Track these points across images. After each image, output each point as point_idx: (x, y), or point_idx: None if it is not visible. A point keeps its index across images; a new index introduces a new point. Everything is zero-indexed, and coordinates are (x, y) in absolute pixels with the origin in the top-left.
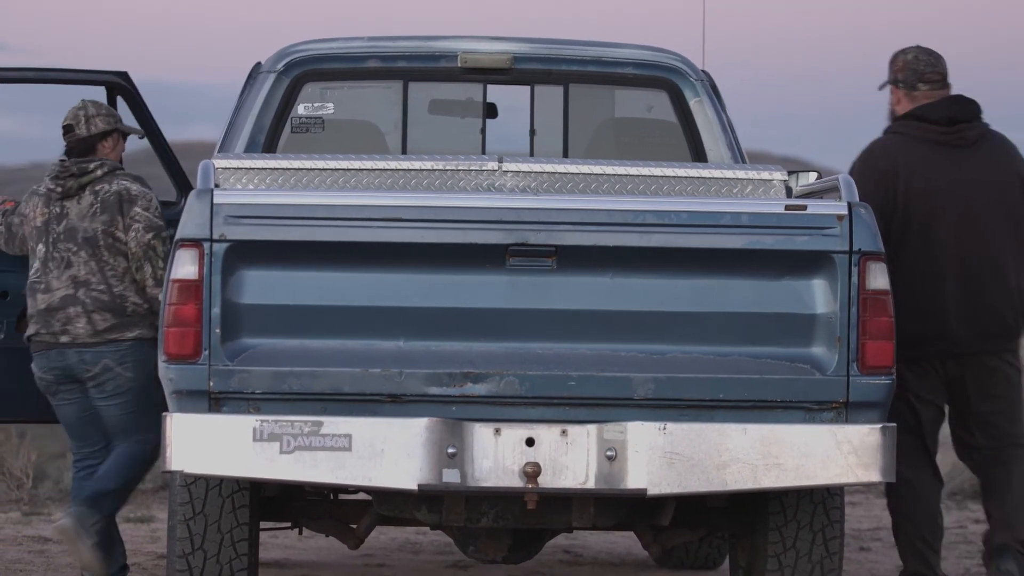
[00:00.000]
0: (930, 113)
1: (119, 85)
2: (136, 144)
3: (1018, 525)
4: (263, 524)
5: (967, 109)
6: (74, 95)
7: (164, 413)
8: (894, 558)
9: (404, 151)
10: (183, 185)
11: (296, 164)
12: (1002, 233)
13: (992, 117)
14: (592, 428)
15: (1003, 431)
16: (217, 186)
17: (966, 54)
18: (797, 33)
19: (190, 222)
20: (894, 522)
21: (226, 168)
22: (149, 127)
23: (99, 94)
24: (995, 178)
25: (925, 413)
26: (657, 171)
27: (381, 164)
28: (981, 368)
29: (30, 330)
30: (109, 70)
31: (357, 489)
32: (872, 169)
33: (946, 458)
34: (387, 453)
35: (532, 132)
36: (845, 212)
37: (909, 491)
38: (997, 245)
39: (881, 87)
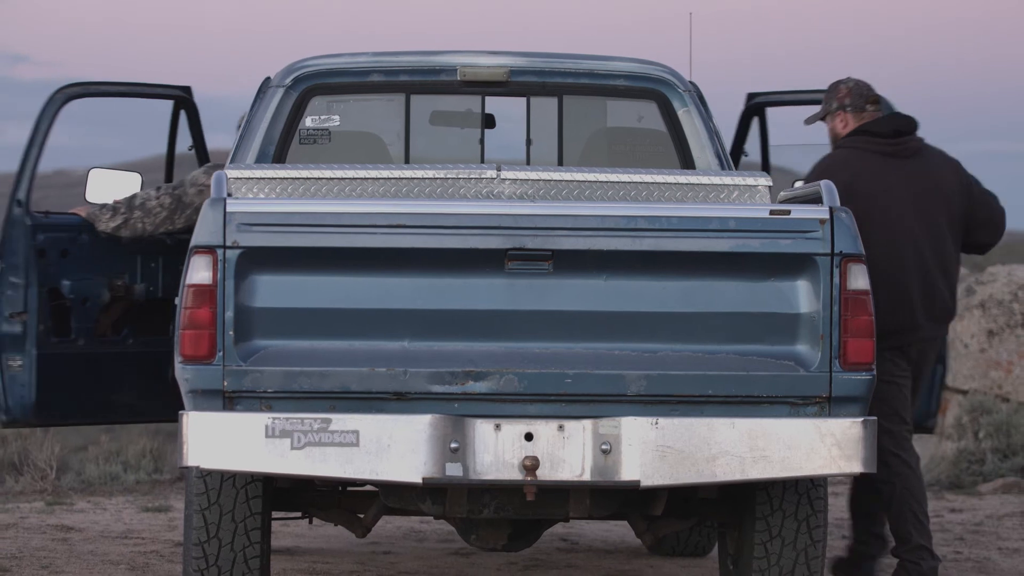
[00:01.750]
0: (877, 127)
1: (184, 99)
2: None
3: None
4: (275, 514)
5: (909, 123)
6: (133, 107)
7: (180, 411)
8: None
9: (407, 161)
10: None
11: (304, 174)
12: (945, 232)
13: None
14: (588, 423)
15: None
16: (230, 195)
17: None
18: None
19: (204, 230)
20: (894, 500)
21: (238, 178)
22: (199, 140)
23: (166, 107)
24: (937, 183)
25: (903, 395)
26: (648, 178)
27: (385, 173)
28: (931, 350)
29: None
30: (176, 85)
31: (364, 483)
32: (834, 181)
33: (924, 450)
34: (393, 448)
35: (528, 141)
36: (827, 216)
37: (907, 468)
38: (943, 243)
39: (820, 118)
